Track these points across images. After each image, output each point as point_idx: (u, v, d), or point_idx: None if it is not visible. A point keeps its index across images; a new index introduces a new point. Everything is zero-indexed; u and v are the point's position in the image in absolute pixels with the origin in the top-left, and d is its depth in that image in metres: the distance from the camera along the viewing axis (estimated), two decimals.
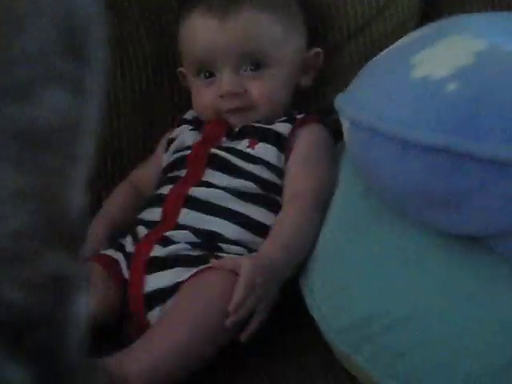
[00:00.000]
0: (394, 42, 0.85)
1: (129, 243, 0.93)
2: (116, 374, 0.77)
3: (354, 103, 0.78)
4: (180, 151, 1.00)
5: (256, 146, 0.96)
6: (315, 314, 0.82)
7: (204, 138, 0.99)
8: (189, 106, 1.04)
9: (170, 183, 0.96)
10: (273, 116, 0.99)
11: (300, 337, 0.87)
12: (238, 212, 0.92)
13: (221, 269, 0.85)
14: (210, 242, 0.90)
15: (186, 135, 1.01)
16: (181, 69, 1.05)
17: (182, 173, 0.97)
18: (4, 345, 0.30)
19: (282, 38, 0.99)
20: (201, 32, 0.99)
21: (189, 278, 0.85)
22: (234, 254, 0.90)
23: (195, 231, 0.91)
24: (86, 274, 0.33)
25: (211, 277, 0.84)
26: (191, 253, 0.89)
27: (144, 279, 0.88)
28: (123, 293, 0.89)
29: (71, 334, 0.31)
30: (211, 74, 0.99)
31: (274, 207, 0.93)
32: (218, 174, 0.95)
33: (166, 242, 0.90)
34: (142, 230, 0.93)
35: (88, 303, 0.32)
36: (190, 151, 0.98)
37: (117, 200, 1.03)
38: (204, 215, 0.92)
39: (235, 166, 0.95)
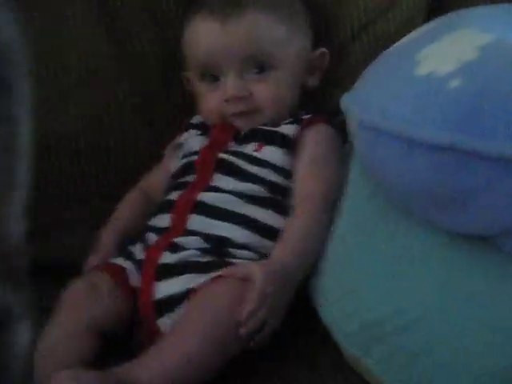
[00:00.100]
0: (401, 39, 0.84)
1: (138, 250, 0.93)
2: (126, 382, 0.76)
3: (359, 102, 0.77)
4: (188, 156, 0.99)
5: (263, 149, 0.96)
6: (325, 317, 0.81)
7: (211, 143, 0.99)
8: (194, 110, 1.04)
9: (179, 189, 0.96)
10: (279, 118, 0.98)
11: (312, 339, 0.87)
12: (246, 216, 0.92)
13: (231, 277, 0.84)
14: (219, 248, 0.90)
15: (193, 140, 1.01)
16: (185, 73, 1.04)
17: (191, 178, 0.96)
18: None
19: (285, 39, 0.98)
20: (203, 36, 0.98)
21: (199, 287, 0.85)
22: (244, 259, 0.89)
23: (204, 237, 0.90)
24: (28, 303, 0.32)
25: (221, 286, 0.84)
26: (201, 259, 0.89)
27: (154, 286, 0.88)
28: (132, 301, 0.88)
29: (12, 364, 0.30)
30: (216, 78, 0.99)
31: (283, 210, 0.93)
32: (226, 178, 0.94)
33: (176, 248, 0.90)
34: (151, 237, 0.93)
35: (31, 330, 0.31)
36: (197, 156, 0.98)
37: (126, 208, 1.03)
38: (213, 220, 0.91)
39: (243, 169, 0.95)
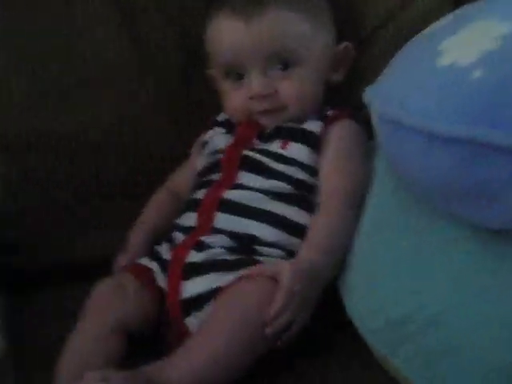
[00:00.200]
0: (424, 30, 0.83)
1: (165, 250, 0.93)
2: (156, 381, 0.77)
3: (380, 96, 0.76)
4: (213, 154, 0.99)
5: (288, 147, 0.95)
6: (352, 314, 0.81)
7: (236, 141, 0.99)
8: (216, 107, 1.04)
9: (205, 187, 0.96)
10: (304, 115, 0.98)
11: (342, 335, 0.86)
12: (272, 213, 0.91)
13: (259, 276, 0.84)
14: (246, 246, 0.90)
15: (218, 138, 1.01)
16: (209, 71, 1.04)
17: (216, 176, 0.96)
18: None
19: (309, 35, 0.98)
20: (226, 34, 0.98)
21: (226, 285, 0.85)
22: (271, 256, 0.89)
23: (231, 235, 0.90)
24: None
25: (248, 285, 0.83)
26: (227, 257, 0.89)
27: (181, 285, 0.88)
28: (159, 301, 0.89)
29: None
30: (240, 76, 0.98)
31: (309, 207, 0.92)
32: (252, 175, 0.94)
33: (202, 247, 0.90)
34: (178, 236, 0.94)
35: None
36: (223, 154, 0.98)
37: (154, 208, 1.04)
38: (239, 218, 0.91)
39: (268, 167, 0.94)
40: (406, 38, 0.86)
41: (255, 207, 0.92)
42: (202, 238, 0.90)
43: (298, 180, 0.93)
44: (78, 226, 1.06)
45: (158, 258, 0.93)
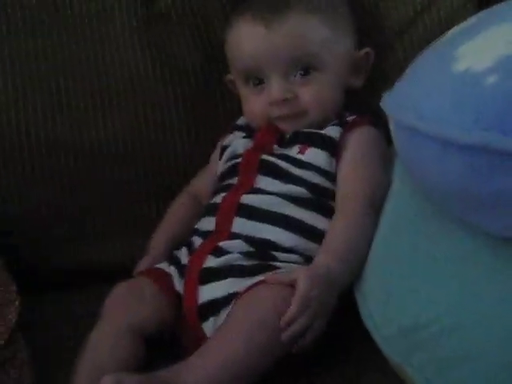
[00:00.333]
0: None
1: (184, 255, 0.93)
2: None
3: (397, 102, 0.76)
4: (232, 159, 1.00)
5: (306, 152, 0.95)
6: (368, 322, 0.80)
7: (255, 145, 0.99)
8: (239, 112, 1.04)
9: (223, 192, 0.96)
10: (324, 120, 0.98)
11: (358, 342, 0.85)
12: (290, 217, 0.91)
13: (276, 283, 0.83)
14: (263, 251, 0.90)
15: (238, 143, 1.01)
16: (229, 76, 1.05)
17: (235, 181, 0.97)
18: None
19: (330, 41, 0.97)
20: (247, 40, 0.98)
21: (243, 291, 0.85)
22: (288, 262, 0.89)
23: (248, 240, 0.90)
24: None
25: (266, 290, 0.83)
26: (245, 263, 0.89)
27: (198, 290, 0.88)
28: (176, 306, 0.89)
29: None
30: (260, 81, 0.98)
31: (327, 212, 0.92)
32: (269, 180, 0.94)
33: (220, 252, 0.90)
34: (196, 241, 0.94)
35: None
36: (241, 159, 0.98)
37: (175, 212, 1.04)
38: (256, 223, 0.91)
39: (286, 171, 0.94)
40: (428, 43, 0.86)
41: (273, 211, 0.91)
42: (220, 244, 0.90)
43: (315, 185, 0.93)
44: (96, 231, 1.07)
45: (176, 262, 0.93)
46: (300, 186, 0.93)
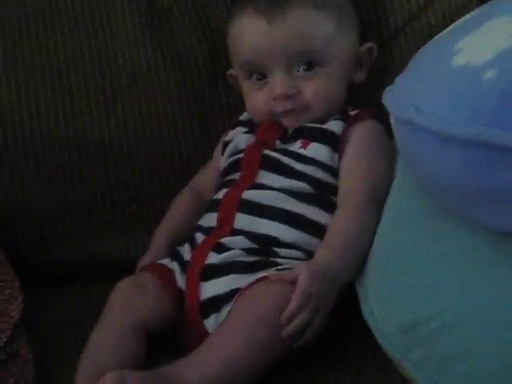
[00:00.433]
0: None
1: (186, 251, 0.93)
2: (173, 382, 0.77)
3: (397, 97, 0.75)
4: (234, 154, 0.99)
5: (308, 147, 0.95)
6: (368, 318, 0.80)
7: (257, 141, 0.99)
8: (243, 108, 1.04)
9: (226, 187, 0.96)
10: (327, 115, 0.97)
11: (359, 338, 0.85)
12: (292, 212, 0.91)
13: (278, 281, 0.83)
14: (265, 247, 0.89)
15: (240, 138, 1.01)
16: (231, 71, 1.04)
17: (237, 176, 0.96)
18: None
19: (333, 35, 0.97)
20: (249, 34, 0.97)
21: (245, 287, 0.84)
22: (291, 258, 0.89)
23: (250, 236, 0.90)
24: None
25: (267, 287, 0.83)
26: (246, 259, 0.89)
27: (200, 287, 0.88)
28: (179, 302, 0.89)
29: None
30: (263, 76, 0.98)
31: (329, 207, 0.91)
32: (271, 175, 0.94)
33: (221, 248, 0.90)
34: (199, 237, 0.94)
35: None
36: (243, 154, 0.98)
37: (177, 208, 1.04)
38: (258, 219, 0.91)
39: (288, 166, 0.94)
40: (431, 38, 0.85)
41: (275, 207, 0.91)
42: (222, 240, 0.90)
43: (317, 180, 0.93)
44: (99, 227, 1.08)
45: (179, 258, 0.93)
46: (302, 181, 0.92)
